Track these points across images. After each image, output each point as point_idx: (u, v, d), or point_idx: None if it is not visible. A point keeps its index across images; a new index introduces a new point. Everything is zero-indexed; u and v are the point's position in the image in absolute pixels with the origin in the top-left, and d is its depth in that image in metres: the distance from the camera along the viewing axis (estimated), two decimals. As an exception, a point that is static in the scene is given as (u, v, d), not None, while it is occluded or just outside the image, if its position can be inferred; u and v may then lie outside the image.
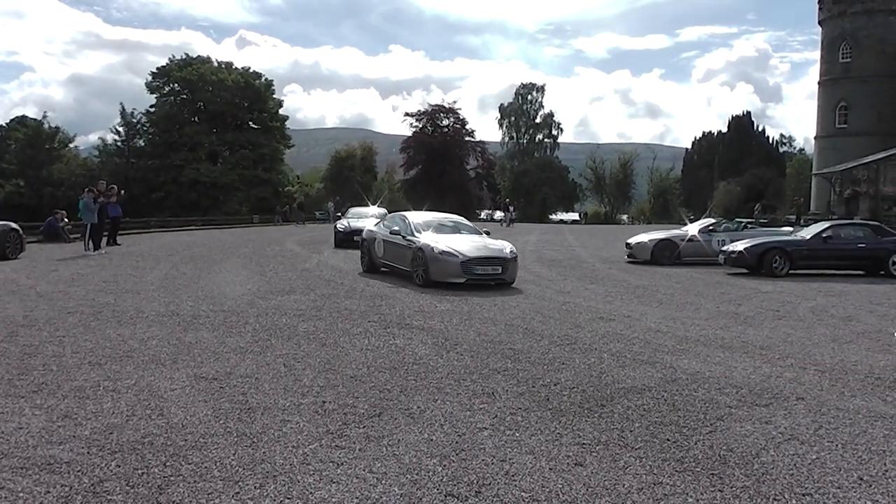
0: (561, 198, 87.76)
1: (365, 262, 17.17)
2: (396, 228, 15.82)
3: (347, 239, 23.99)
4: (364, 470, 4.57)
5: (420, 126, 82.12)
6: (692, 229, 22.56)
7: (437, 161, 78.44)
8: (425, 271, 14.15)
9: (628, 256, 22.11)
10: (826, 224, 19.94)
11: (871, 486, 4.50)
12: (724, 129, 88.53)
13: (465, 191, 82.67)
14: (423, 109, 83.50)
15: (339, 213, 45.42)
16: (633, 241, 22.43)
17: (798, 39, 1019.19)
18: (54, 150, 71.23)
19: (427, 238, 14.84)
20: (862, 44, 60.00)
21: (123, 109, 72.36)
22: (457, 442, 5.10)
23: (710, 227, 22.22)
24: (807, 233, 19.31)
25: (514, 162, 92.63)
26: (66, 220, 28.01)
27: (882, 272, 17.84)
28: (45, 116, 73.79)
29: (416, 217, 16.65)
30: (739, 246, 18.52)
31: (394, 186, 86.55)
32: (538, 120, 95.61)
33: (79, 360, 7.35)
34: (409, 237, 15.24)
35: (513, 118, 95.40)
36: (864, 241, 18.44)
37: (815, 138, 65.35)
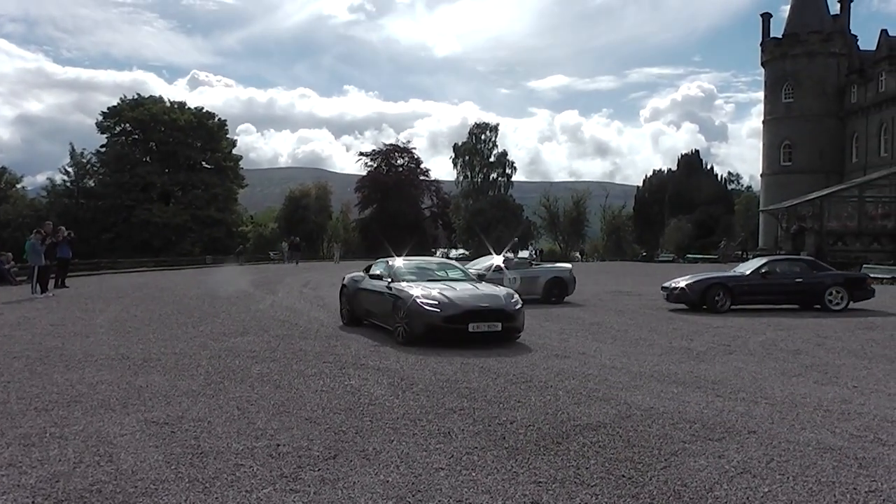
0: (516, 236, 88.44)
1: None
2: None
3: (458, 329, 11.58)
4: (319, 513, 4.51)
5: (375, 165, 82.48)
6: (496, 263, 20.98)
7: (392, 200, 78.78)
8: None
9: None
10: (763, 260, 20.37)
11: (821, 517, 4.57)
12: (674, 168, 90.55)
13: (421, 230, 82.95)
14: (377, 149, 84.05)
15: (296, 260, 44.13)
16: None
17: (742, 80, 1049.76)
18: (0, 191, 69.84)
19: None
20: (803, 84, 62.13)
21: (73, 149, 71.57)
22: (413, 483, 5.06)
23: (505, 265, 20.92)
24: (746, 269, 19.66)
25: (468, 201, 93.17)
26: (12, 262, 27.38)
27: (818, 306, 18.25)
28: (-9, 157, 72.53)
29: None
30: (682, 282, 18.74)
31: (349, 226, 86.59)
32: (492, 159, 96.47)
33: (24, 406, 7.15)
34: None
35: (467, 157, 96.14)
36: (801, 276, 18.87)
37: (761, 176, 67.18)
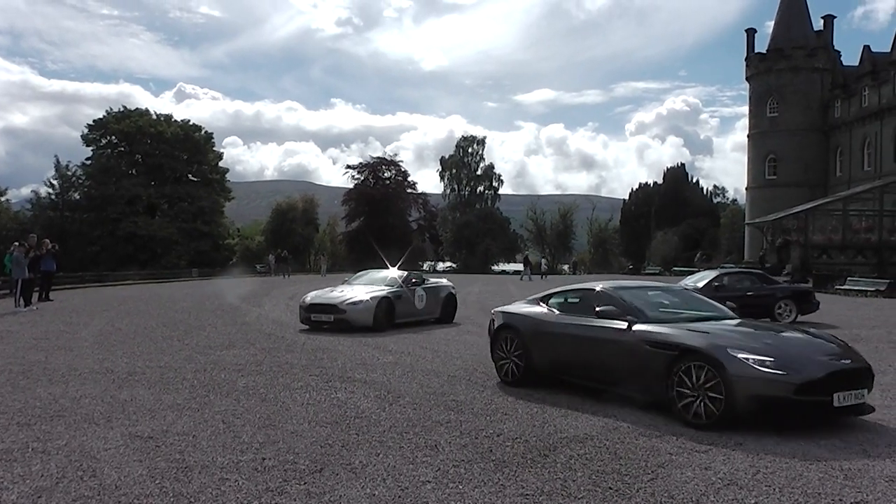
0: (503, 249, 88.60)
1: None
2: None
3: (817, 403, 6.93)
4: (305, 528, 4.47)
5: (362, 178, 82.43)
6: (392, 276, 17.85)
7: (379, 213, 78.64)
8: None
9: (329, 323, 15.54)
10: (714, 273, 20.48)
11: (808, 529, 4.57)
12: (660, 181, 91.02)
13: (408, 242, 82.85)
14: (364, 162, 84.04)
15: (285, 273, 43.70)
16: (339, 299, 15.80)
17: (727, 95, 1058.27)
18: (-16, 204, 69.35)
19: None
20: (788, 99, 62.70)
21: (58, 162, 70.94)
22: (400, 496, 5.03)
23: (413, 280, 17.73)
24: (699, 282, 19.43)
25: (455, 213, 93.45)
26: (-5, 275, 27.15)
27: (768, 318, 18.33)
28: (-25, 169, 72.02)
29: None
30: None
31: (336, 239, 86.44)
32: (479, 172, 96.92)
33: (6, 421, 7.08)
34: None
35: (454, 170, 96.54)
36: (751, 290, 19.01)
37: (746, 189, 67.66)
